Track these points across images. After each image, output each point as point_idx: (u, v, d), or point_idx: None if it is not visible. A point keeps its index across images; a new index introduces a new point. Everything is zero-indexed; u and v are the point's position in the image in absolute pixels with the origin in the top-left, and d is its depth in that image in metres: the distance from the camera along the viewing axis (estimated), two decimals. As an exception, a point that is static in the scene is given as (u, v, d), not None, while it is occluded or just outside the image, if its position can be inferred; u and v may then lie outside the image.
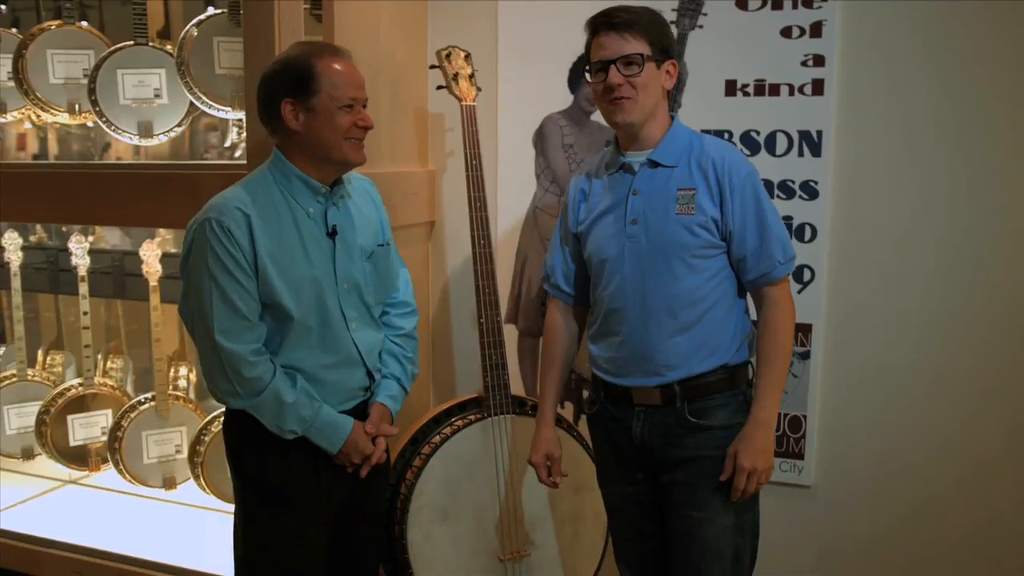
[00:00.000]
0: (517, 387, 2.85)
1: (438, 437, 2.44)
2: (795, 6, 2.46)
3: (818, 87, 2.47)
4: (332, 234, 1.97)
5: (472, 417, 2.47)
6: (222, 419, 2.11)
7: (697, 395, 1.97)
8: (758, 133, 2.53)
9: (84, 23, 3.10)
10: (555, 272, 2.19)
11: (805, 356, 2.55)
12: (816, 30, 2.45)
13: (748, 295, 2.05)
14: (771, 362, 1.96)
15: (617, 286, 1.99)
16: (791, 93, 2.49)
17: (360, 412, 2.07)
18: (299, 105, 1.90)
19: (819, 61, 2.46)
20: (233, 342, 1.86)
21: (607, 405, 2.09)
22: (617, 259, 1.99)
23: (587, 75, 1.99)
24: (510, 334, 2.85)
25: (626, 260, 1.98)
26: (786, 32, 2.48)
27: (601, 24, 1.94)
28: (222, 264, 1.85)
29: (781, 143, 2.51)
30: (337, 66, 1.91)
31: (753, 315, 2.04)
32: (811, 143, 2.49)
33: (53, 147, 3.58)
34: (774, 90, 2.50)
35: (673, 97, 2.03)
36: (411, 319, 2.23)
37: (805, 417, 2.57)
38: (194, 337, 1.97)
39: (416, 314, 2.25)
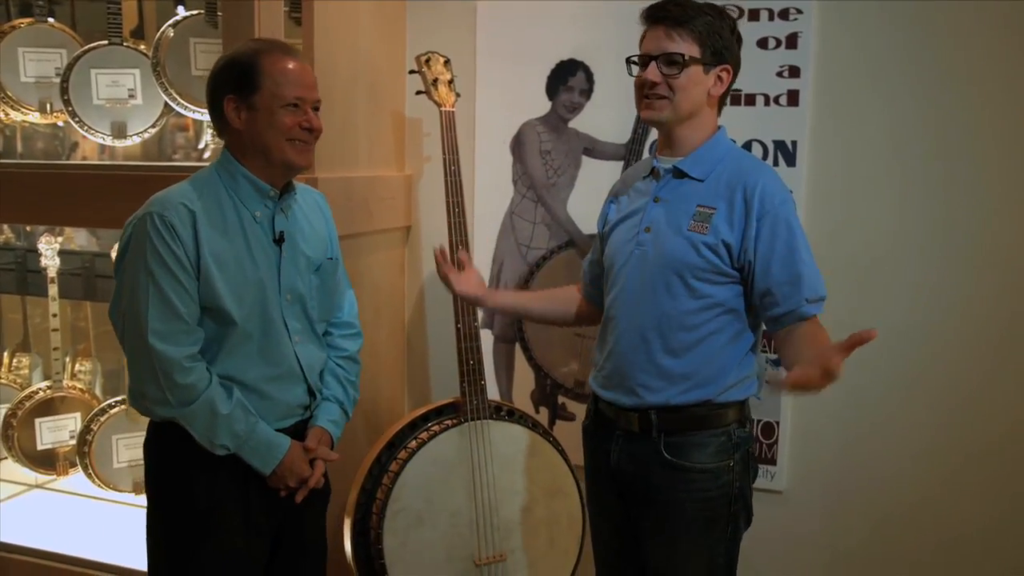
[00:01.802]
0: (493, 392, 2.86)
1: (415, 442, 2.44)
2: (771, 18, 2.50)
3: (793, 98, 2.50)
4: (279, 241, 1.88)
5: (449, 422, 2.47)
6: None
7: (675, 428, 1.86)
8: (734, 142, 2.55)
9: (51, 19, 3.06)
10: (583, 267, 2.18)
11: (778, 363, 2.57)
12: (792, 42, 2.48)
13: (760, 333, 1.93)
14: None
15: (617, 293, 1.91)
16: (767, 103, 2.52)
17: (297, 432, 1.95)
18: (241, 102, 1.81)
19: (794, 72, 2.49)
20: (168, 345, 1.74)
21: (596, 422, 2.01)
22: (624, 266, 1.90)
23: (630, 66, 1.88)
24: (486, 339, 2.86)
25: (630, 268, 1.88)
26: (762, 43, 2.51)
27: (651, 16, 1.83)
28: (162, 261, 1.74)
29: (756, 153, 2.54)
30: (284, 64, 1.82)
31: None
32: (786, 153, 2.52)
33: (18, 145, 3.52)
34: (750, 100, 2.54)
35: (721, 104, 1.92)
36: (355, 341, 2.14)
37: (778, 423, 2.60)
38: (123, 342, 1.83)
39: (360, 337, 2.16)
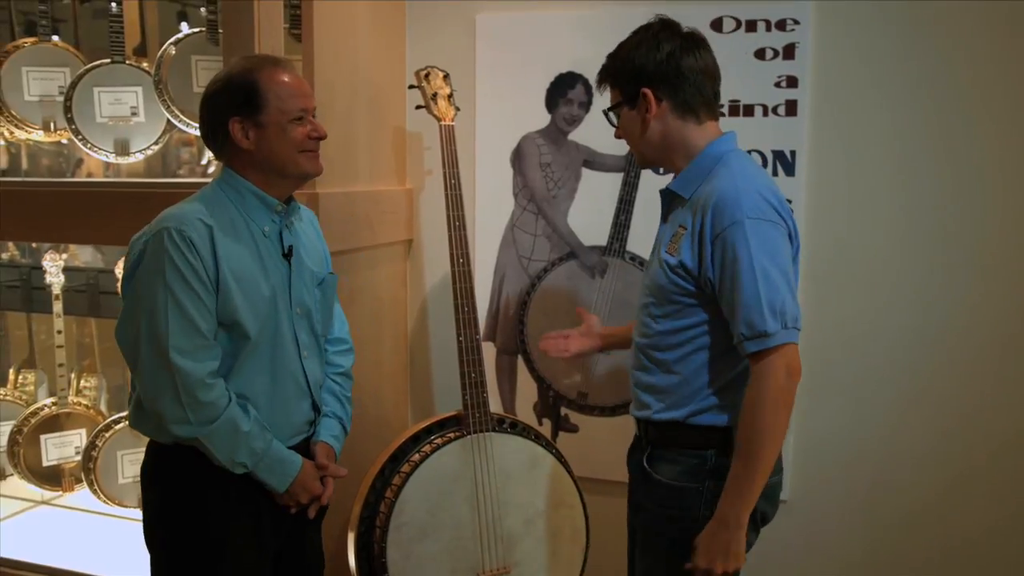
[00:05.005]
0: (496, 405, 2.87)
1: (418, 455, 2.44)
2: (768, 28, 2.51)
3: (791, 108, 2.51)
4: (288, 255, 1.89)
5: (452, 435, 2.47)
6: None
7: (658, 442, 1.87)
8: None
9: (56, 37, 3.09)
10: None
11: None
12: (789, 52, 2.49)
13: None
14: (738, 451, 1.68)
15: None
16: (765, 114, 2.53)
17: (302, 449, 1.95)
18: (247, 122, 1.80)
19: (792, 82, 2.50)
20: (190, 361, 1.71)
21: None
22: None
23: None
24: (488, 352, 2.86)
25: (640, 288, 1.94)
26: (760, 54, 2.52)
27: None
28: (181, 276, 1.71)
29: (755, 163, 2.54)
30: (281, 78, 1.82)
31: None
32: (785, 163, 2.53)
33: (23, 163, 3.55)
34: (748, 111, 2.55)
35: (687, 117, 1.80)
36: (349, 357, 2.15)
37: (781, 433, 2.59)
38: (134, 361, 1.78)
39: (352, 352, 2.17)
